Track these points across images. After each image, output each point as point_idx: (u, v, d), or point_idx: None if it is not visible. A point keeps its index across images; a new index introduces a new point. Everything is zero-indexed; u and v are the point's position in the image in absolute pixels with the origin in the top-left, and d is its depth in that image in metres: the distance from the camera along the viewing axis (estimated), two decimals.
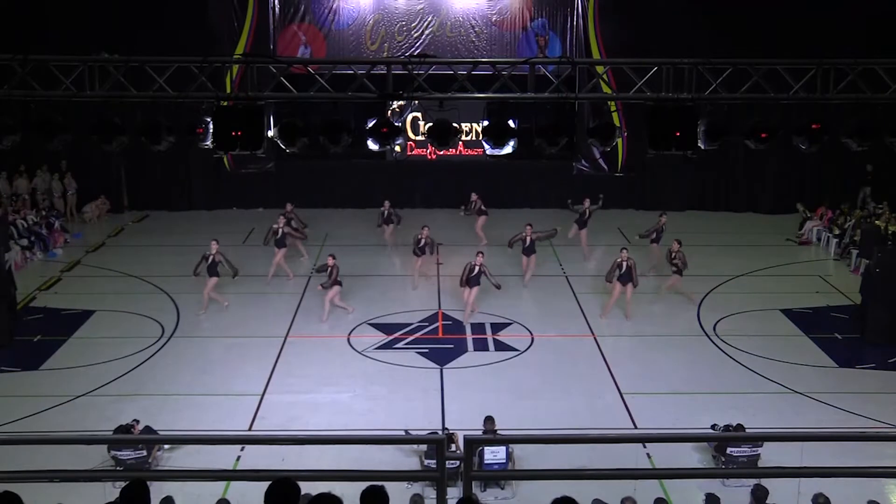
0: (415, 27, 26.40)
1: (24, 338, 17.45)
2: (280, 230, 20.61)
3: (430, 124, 12.98)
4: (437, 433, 12.99)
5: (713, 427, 13.27)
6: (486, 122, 12.92)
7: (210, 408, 14.76)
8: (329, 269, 18.41)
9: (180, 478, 11.66)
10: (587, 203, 22.67)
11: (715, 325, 18.46)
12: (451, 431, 12.79)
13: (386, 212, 23.16)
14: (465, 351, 17.28)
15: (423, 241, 20.35)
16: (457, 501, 5.44)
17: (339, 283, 18.51)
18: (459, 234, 23.62)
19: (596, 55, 26.18)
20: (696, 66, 12.50)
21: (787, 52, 19.72)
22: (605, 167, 27.38)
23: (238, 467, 12.09)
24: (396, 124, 13.98)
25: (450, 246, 23.44)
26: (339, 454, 12.16)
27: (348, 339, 17.71)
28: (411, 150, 27.03)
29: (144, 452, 12.71)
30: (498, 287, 18.41)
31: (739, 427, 12.89)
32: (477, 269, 18.27)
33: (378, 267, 21.98)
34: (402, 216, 23.30)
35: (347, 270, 21.52)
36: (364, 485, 5.72)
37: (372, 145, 12.98)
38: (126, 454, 12.59)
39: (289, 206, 22.65)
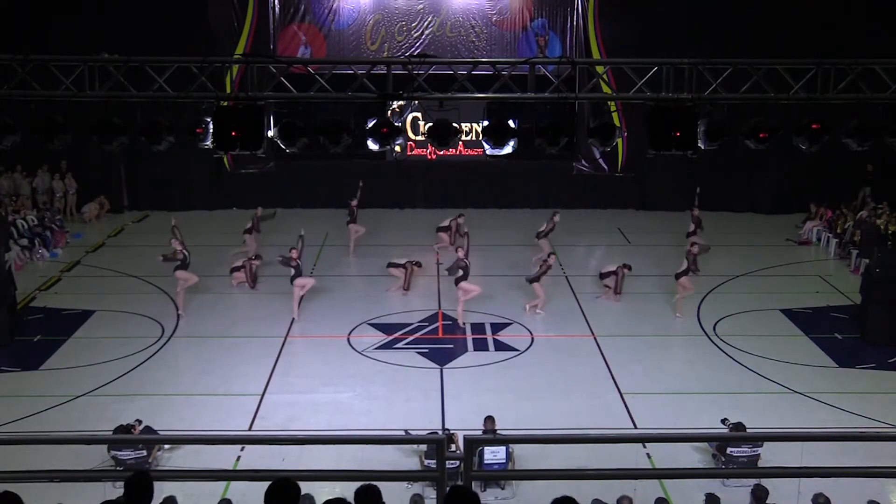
0: (415, 27, 26.39)
1: (24, 338, 17.45)
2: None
3: (430, 124, 12.97)
4: (437, 433, 12.99)
5: (723, 421, 13.26)
6: (486, 122, 12.91)
7: (210, 408, 14.76)
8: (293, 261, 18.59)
9: (180, 478, 11.66)
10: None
11: (715, 325, 18.46)
12: (451, 431, 12.79)
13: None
14: (465, 351, 17.28)
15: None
16: (450, 489, 5.40)
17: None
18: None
19: (596, 55, 26.16)
20: (696, 66, 12.49)
21: (787, 52, 19.81)
22: (605, 167, 27.37)
23: (238, 467, 12.08)
24: (396, 124, 13.98)
25: (449, 246, 23.40)
26: (339, 454, 12.17)
27: (348, 339, 17.71)
28: (411, 150, 27.02)
29: (144, 452, 12.72)
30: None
31: (740, 426, 12.90)
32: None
33: (378, 267, 21.96)
34: (402, 217, 23.31)
35: (347, 270, 21.58)
36: None
37: (372, 145, 12.98)
38: (126, 454, 12.58)
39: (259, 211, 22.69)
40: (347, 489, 5.74)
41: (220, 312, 18.94)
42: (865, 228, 22.02)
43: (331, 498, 5.44)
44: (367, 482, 5.61)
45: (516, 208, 26.91)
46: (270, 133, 12.97)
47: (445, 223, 23.14)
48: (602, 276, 20.04)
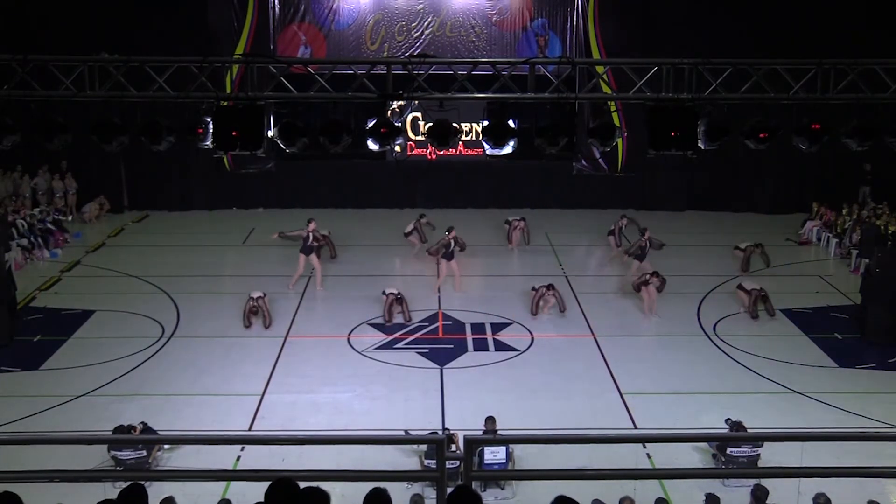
0: (415, 27, 26.39)
1: (24, 338, 17.44)
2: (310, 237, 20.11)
3: (430, 124, 12.97)
4: (437, 433, 12.99)
5: (727, 421, 13.27)
6: (486, 122, 12.92)
7: (210, 408, 14.76)
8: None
9: (180, 478, 11.66)
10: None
11: (715, 325, 18.46)
12: (451, 431, 12.79)
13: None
14: (465, 351, 17.28)
15: (451, 245, 20.31)
16: (454, 488, 5.41)
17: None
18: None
19: (596, 55, 26.16)
20: (696, 66, 12.50)
21: (787, 52, 19.76)
22: (605, 167, 27.37)
23: (238, 467, 12.09)
24: (396, 124, 13.99)
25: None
26: (338, 454, 12.14)
27: (348, 339, 17.71)
28: (411, 150, 27.02)
29: (144, 452, 12.72)
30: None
31: (740, 426, 12.90)
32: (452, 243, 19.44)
33: (378, 267, 21.99)
34: (403, 217, 23.34)
35: (347, 270, 21.57)
36: (364, 484, 5.73)
37: (372, 145, 12.98)
38: (126, 454, 12.59)
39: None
40: (348, 489, 5.74)
41: (220, 312, 18.92)
42: (865, 228, 22.02)
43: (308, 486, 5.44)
44: (378, 486, 5.61)
45: (516, 208, 26.88)
46: (270, 133, 12.97)
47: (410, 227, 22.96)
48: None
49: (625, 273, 21.15)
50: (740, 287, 19.20)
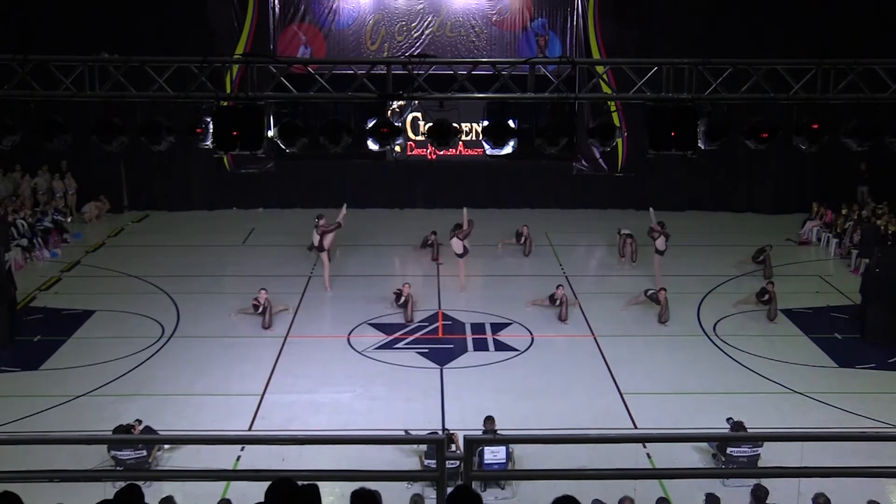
0: (415, 27, 26.38)
1: (24, 338, 17.44)
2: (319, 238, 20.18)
3: (430, 124, 12.97)
4: (437, 433, 12.99)
5: (727, 420, 13.27)
6: (486, 122, 12.91)
7: (210, 408, 14.76)
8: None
9: (180, 478, 11.67)
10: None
11: (715, 325, 18.45)
12: (451, 431, 12.79)
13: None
14: (465, 351, 17.28)
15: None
16: (454, 488, 5.41)
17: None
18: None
19: (596, 55, 26.15)
20: (696, 66, 12.50)
21: (787, 52, 19.81)
22: (605, 167, 27.36)
23: (238, 467, 12.09)
24: (396, 124, 13.98)
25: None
26: (338, 454, 12.14)
27: (348, 339, 17.71)
28: (411, 150, 27.00)
29: (144, 452, 12.73)
30: None
31: (740, 426, 12.90)
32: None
33: (378, 267, 21.98)
34: (403, 217, 23.27)
35: (347, 270, 21.57)
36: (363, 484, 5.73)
37: (372, 145, 12.98)
38: (126, 454, 12.60)
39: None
40: (348, 489, 5.74)
41: (220, 312, 18.92)
42: (865, 228, 22.02)
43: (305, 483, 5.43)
44: (365, 487, 5.61)
45: (516, 208, 26.91)
46: (270, 133, 12.97)
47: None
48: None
49: (628, 274, 21.20)
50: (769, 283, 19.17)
